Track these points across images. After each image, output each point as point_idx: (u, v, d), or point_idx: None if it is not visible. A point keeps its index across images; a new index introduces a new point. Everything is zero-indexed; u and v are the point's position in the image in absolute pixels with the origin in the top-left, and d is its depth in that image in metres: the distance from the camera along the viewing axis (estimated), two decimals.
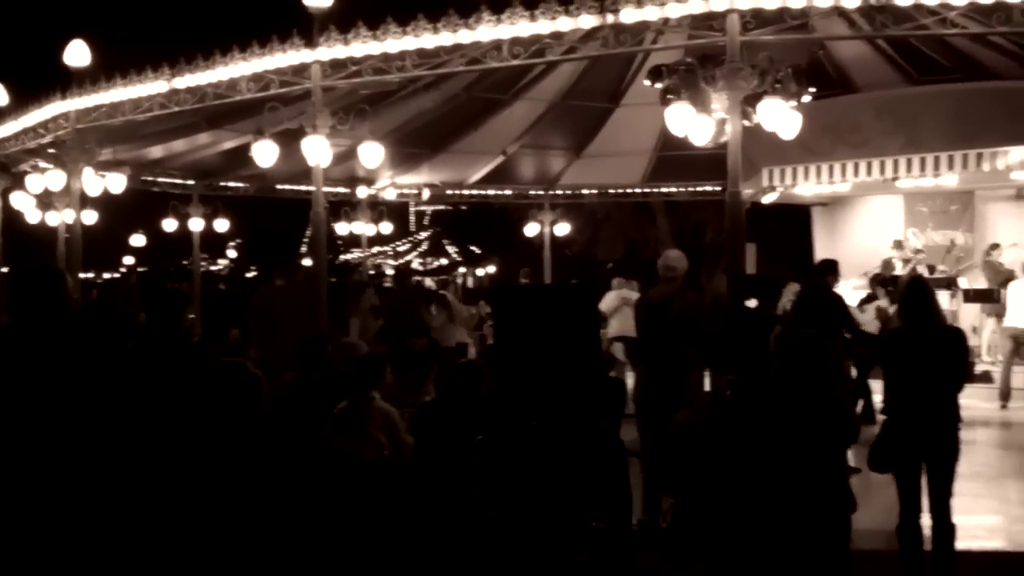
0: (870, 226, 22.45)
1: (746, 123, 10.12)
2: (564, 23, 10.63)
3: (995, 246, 19.86)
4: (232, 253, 35.06)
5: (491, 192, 23.01)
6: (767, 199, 20.57)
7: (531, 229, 23.64)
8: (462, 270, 38.66)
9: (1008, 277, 18.57)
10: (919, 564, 7.32)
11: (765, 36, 9.89)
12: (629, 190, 23.11)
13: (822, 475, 6.73)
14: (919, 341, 7.39)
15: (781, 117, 9.87)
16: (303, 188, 20.42)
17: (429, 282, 28.78)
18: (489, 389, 8.05)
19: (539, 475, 7.53)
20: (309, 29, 11.97)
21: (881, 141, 17.75)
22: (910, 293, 7.59)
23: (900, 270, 18.35)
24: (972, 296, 19.11)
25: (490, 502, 7.29)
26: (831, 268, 12.50)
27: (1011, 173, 18.38)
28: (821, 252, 23.23)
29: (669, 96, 10.77)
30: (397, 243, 39.62)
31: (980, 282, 19.40)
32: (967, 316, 19.15)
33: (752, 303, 10.06)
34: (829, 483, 6.75)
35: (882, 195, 21.92)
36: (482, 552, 7.29)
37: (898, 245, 19.67)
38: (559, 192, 23.04)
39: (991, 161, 17.15)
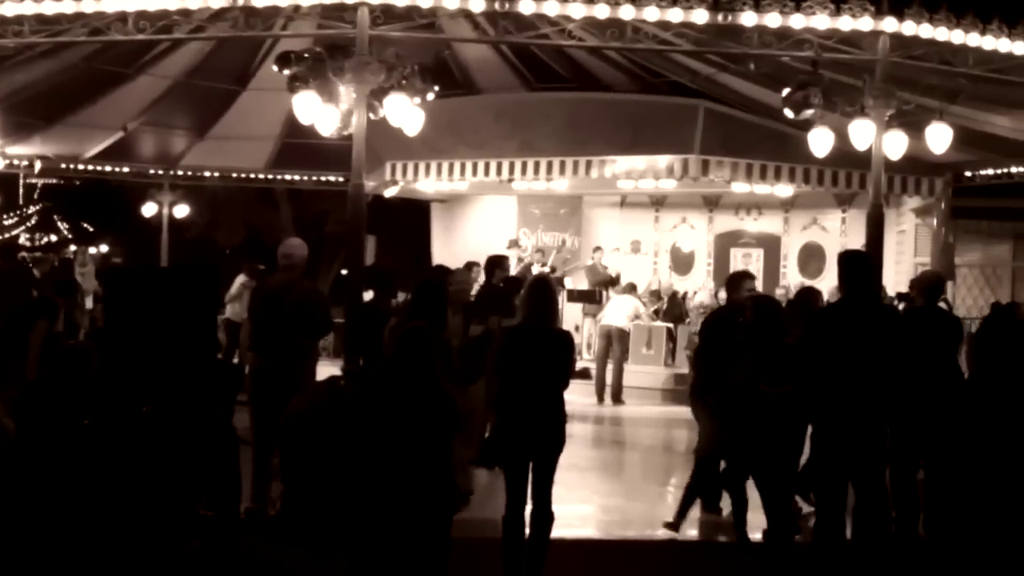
0: (485, 225, 23.13)
1: (372, 116, 10.26)
2: (193, 1, 10.44)
3: (597, 249, 20.94)
4: None
5: (108, 168, 22.14)
6: (389, 192, 20.88)
7: (149, 209, 23.00)
8: (73, 248, 36.96)
9: (606, 280, 19.64)
10: (520, 551, 7.62)
11: (394, 32, 10.06)
12: (252, 175, 22.84)
13: (427, 464, 6.92)
14: (532, 340, 7.66)
15: (406, 113, 10.08)
16: None
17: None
18: (99, 373, 7.81)
19: (147, 462, 7.40)
20: None
21: (499, 143, 18.40)
22: (533, 292, 7.84)
23: (515, 268, 18.93)
24: (576, 296, 20.06)
25: (96, 489, 7.11)
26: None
27: (617, 181, 19.46)
28: (439, 248, 23.78)
29: (297, 83, 10.80)
30: (3, 216, 37.47)
31: (584, 283, 20.38)
32: (571, 315, 20.07)
33: (369, 295, 10.19)
34: (433, 472, 6.94)
35: (497, 195, 22.65)
36: (86, 539, 7.10)
37: (514, 244, 20.38)
38: (180, 173, 22.49)
39: (599, 169, 18.11)
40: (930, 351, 8.56)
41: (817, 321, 7.94)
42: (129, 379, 7.32)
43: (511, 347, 7.69)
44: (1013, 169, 17.88)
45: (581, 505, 9.85)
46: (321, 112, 9.99)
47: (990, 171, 18.28)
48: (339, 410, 7.62)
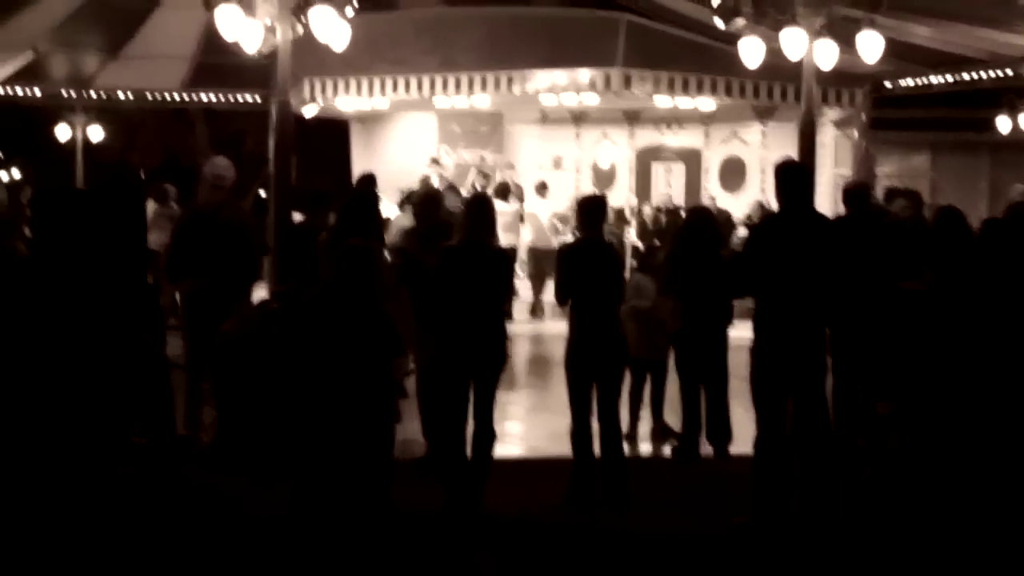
0: (406, 143, 22.89)
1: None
2: None
3: (510, 166, 20.82)
4: None
5: (19, 91, 21.35)
6: (307, 111, 20.53)
7: (62, 133, 22.41)
8: None
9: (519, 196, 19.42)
10: (462, 470, 7.59)
11: None
12: (168, 96, 22.25)
13: (367, 385, 6.84)
14: (472, 259, 7.57)
15: (332, 27, 9.82)
16: None
17: None
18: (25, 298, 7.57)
19: (77, 389, 7.24)
20: None
21: (419, 59, 18.13)
22: (472, 210, 7.75)
23: (438, 186, 18.71)
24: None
25: (24, 416, 6.94)
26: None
27: (539, 96, 19.29)
28: (359, 167, 23.46)
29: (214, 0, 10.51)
30: None
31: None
32: None
33: (299, 216, 10.00)
34: (374, 393, 6.87)
35: (418, 113, 22.39)
36: (18, 469, 6.95)
37: (435, 162, 20.18)
38: (93, 95, 21.82)
39: (521, 84, 17.92)
40: (862, 260, 8.57)
41: (757, 233, 7.91)
42: (57, 304, 7.13)
43: (451, 266, 7.58)
44: (932, 79, 17.99)
45: (516, 423, 9.84)
46: (245, 27, 9.70)
47: (909, 82, 18.38)
48: (271, 333, 7.51)
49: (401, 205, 15.52)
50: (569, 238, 19.02)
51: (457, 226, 7.83)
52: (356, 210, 8.38)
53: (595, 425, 8.03)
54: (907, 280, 8.23)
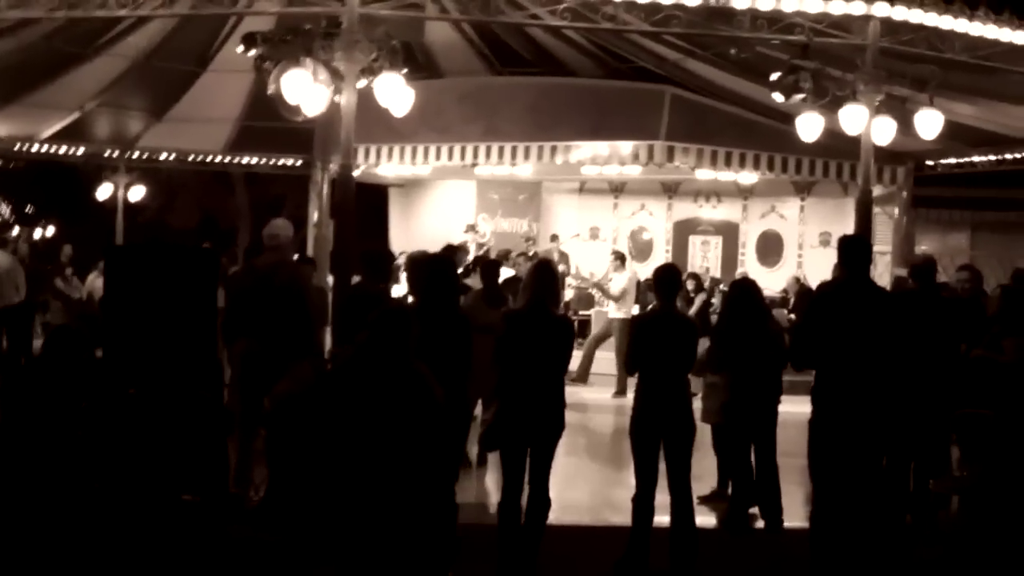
0: (443, 210, 22.91)
1: (337, 99, 10.02)
2: None
3: (554, 237, 20.82)
4: None
5: (63, 150, 21.55)
6: None
7: (104, 191, 22.59)
8: (16, 231, 36.20)
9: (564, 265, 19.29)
10: (516, 537, 7.55)
11: (383, 11, 9.86)
12: (209, 158, 22.42)
13: (412, 449, 6.65)
14: (534, 326, 7.57)
15: (397, 93, 9.90)
16: None
17: None
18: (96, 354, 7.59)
19: (141, 446, 7.24)
20: None
21: (462, 127, 18.19)
22: (537, 276, 7.74)
23: (474, 253, 18.69)
24: None
25: (95, 474, 6.94)
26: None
27: (581, 167, 19.36)
28: (396, 233, 23.55)
29: (264, 64, 10.62)
30: None
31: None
32: None
33: (357, 278, 10.01)
34: (422, 458, 6.71)
35: (457, 180, 22.46)
36: (81, 526, 6.94)
37: (472, 229, 20.20)
38: (136, 155, 22.01)
39: (564, 154, 17.97)
40: (927, 334, 8.55)
41: (818, 304, 7.90)
42: (129, 360, 7.16)
43: (513, 332, 7.57)
44: (976, 158, 17.99)
45: (572, 491, 9.80)
46: (310, 92, 9.74)
47: (952, 160, 18.37)
48: (324, 393, 7.48)
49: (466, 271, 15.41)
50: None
51: (521, 291, 7.82)
52: (437, 274, 8.09)
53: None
54: (976, 349, 8.23)
